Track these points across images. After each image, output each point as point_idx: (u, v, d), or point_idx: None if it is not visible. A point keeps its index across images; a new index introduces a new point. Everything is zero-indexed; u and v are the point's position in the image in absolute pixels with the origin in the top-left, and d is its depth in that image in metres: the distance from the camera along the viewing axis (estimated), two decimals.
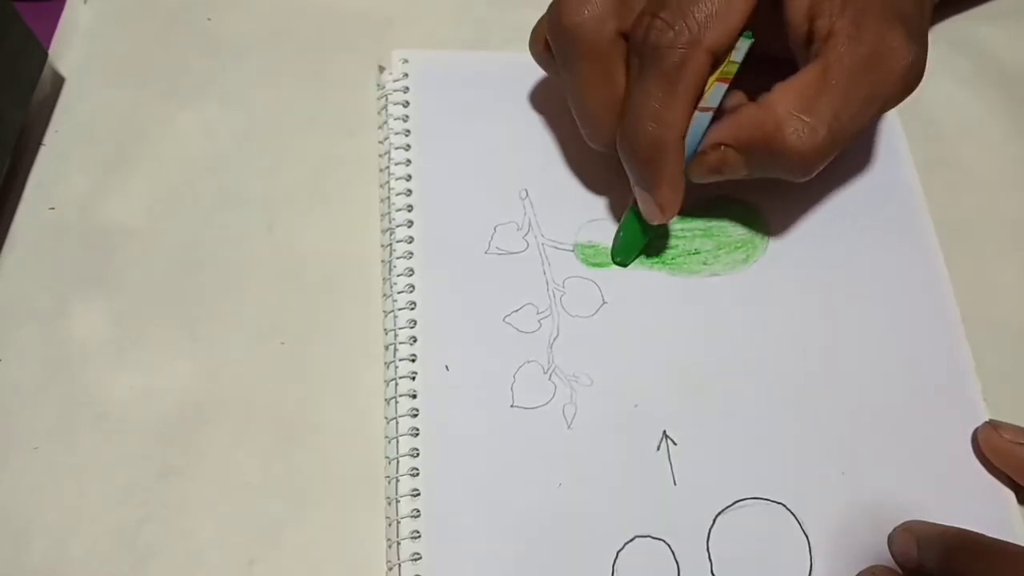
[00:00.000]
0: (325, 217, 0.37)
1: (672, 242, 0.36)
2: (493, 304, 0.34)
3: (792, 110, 0.30)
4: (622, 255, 0.35)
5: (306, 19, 0.41)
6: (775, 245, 0.36)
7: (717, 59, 0.31)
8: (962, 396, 0.33)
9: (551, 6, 0.33)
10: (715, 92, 0.31)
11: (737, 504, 0.31)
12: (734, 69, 0.31)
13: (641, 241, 0.35)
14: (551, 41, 0.34)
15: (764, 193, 0.37)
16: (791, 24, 0.32)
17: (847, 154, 0.38)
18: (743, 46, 0.31)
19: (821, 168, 0.32)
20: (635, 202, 0.34)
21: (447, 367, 0.33)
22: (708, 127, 0.32)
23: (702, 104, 0.31)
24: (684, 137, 0.31)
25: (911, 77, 0.31)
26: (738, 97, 0.34)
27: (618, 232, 0.35)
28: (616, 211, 0.36)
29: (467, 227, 0.36)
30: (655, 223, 0.34)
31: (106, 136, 0.38)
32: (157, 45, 0.40)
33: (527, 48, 0.36)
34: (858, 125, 0.31)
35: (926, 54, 0.32)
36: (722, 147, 0.32)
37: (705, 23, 0.30)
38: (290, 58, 0.40)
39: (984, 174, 0.39)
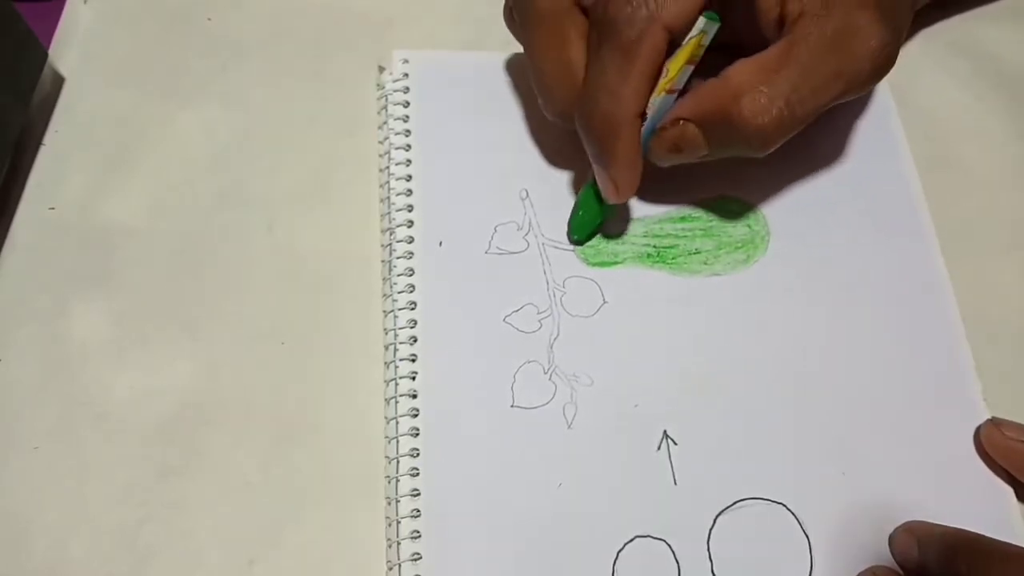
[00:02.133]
0: (325, 217, 0.37)
1: (672, 242, 0.36)
2: (493, 304, 0.34)
3: (750, 82, 0.30)
4: (578, 232, 0.35)
5: (306, 19, 0.41)
6: (776, 245, 0.36)
7: (675, 37, 0.31)
8: (962, 396, 0.33)
9: None
10: (682, 75, 0.31)
11: (738, 504, 0.31)
12: (701, 52, 0.31)
13: (598, 219, 0.35)
14: (514, 9, 0.34)
15: (765, 193, 0.37)
16: (762, 9, 0.32)
17: (847, 154, 0.38)
18: (711, 30, 0.31)
19: (780, 142, 0.31)
20: (593, 179, 0.34)
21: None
22: None
23: (669, 86, 0.31)
24: (641, 115, 0.31)
25: (880, 60, 0.31)
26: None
27: (575, 208, 0.35)
28: (575, 186, 0.36)
29: (467, 227, 0.36)
30: (611, 202, 0.34)
31: (106, 136, 0.38)
32: (157, 45, 0.40)
33: None
34: (819, 101, 0.31)
35: (899, 40, 0.31)
36: (680, 122, 0.32)
37: (663, 1, 0.30)
38: (290, 58, 0.40)
39: (984, 174, 0.39)
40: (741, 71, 0.31)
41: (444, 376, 0.33)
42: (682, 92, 0.32)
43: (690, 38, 0.31)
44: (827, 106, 0.31)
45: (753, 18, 0.32)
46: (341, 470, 0.32)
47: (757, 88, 0.30)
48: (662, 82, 0.32)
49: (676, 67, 0.31)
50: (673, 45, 0.31)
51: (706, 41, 0.31)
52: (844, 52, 0.30)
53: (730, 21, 0.32)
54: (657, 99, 0.32)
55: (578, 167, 0.37)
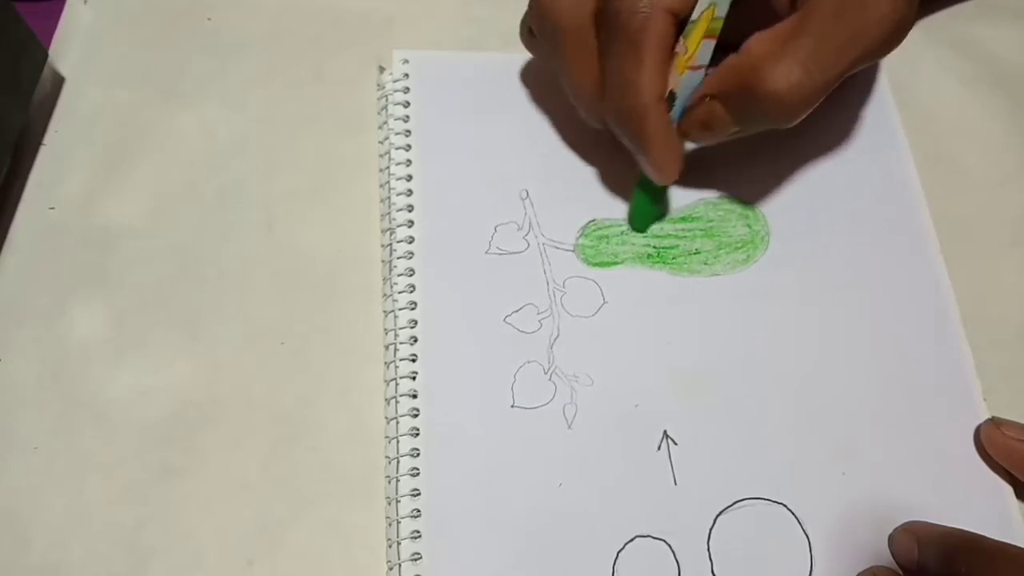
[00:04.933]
0: (325, 217, 0.37)
1: (673, 242, 0.36)
2: (493, 304, 0.34)
3: (768, 52, 0.31)
4: (638, 222, 0.36)
5: (306, 19, 0.41)
6: (776, 245, 0.36)
7: (679, 18, 0.31)
8: (962, 396, 0.33)
9: None
10: (703, 50, 0.32)
11: (738, 504, 0.31)
12: (719, 25, 0.32)
13: (651, 208, 0.36)
14: (534, 28, 0.35)
15: (765, 193, 0.37)
16: None
17: (848, 154, 0.38)
18: (721, 1, 0.31)
19: (804, 111, 0.31)
20: (641, 171, 0.34)
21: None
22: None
23: (692, 63, 0.32)
24: (668, 96, 0.32)
25: (894, 25, 0.31)
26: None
27: (631, 202, 0.36)
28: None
29: (467, 227, 0.36)
30: (661, 184, 0.34)
31: (106, 136, 0.38)
32: (157, 45, 0.40)
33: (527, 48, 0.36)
34: (837, 67, 0.31)
35: (912, 6, 0.32)
36: (707, 99, 0.32)
37: None
38: (290, 58, 0.40)
39: (984, 174, 0.39)
40: (759, 43, 0.31)
41: (444, 376, 0.33)
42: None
43: (700, 12, 0.31)
44: (846, 73, 0.31)
45: (765, 7, 0.32)
46: (341, 470, 0.32)
47: (775, 57, 0.30)
48: (682, 59, 0.32)
49: (694, 43, 0.32)
50: (683, 24, 0.31)
51: (720, 13, 0.31)
52: (858, 18, 0.31)
53: (741, 18, 0.32)
54: (682, 78, 0.32)
55: (579, 166, 0.37)
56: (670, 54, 0.32)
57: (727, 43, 0.32)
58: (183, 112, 0.39)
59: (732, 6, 0.32)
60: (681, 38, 0.32)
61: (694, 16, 0.31)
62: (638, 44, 0.31)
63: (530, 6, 0.34)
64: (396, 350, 0.33)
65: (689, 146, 0.35)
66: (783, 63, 0.30)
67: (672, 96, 0.32)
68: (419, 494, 0.31)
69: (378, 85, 0.39)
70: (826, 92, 0.31)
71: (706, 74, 0.32)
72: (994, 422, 0.32)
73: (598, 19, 0.32)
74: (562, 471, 0.31)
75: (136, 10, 0.41)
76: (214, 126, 0.38)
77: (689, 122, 0.33)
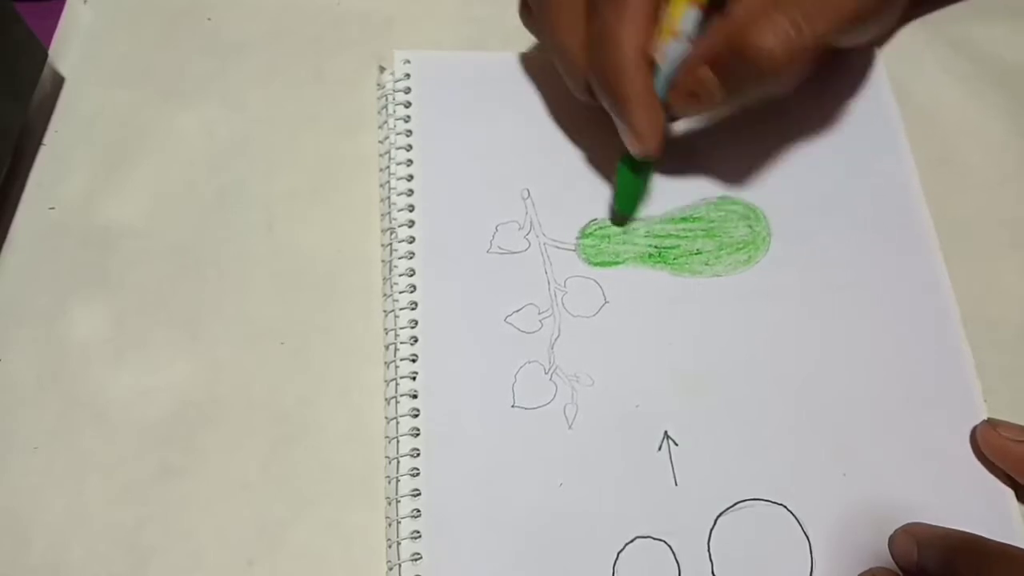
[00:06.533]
0: (325, 217, 0.37)
1: (674, 242, 0.36)
2: (494, 304, 0.34)
3: (754, 11, 0.30)
4: (621, 204, 0.35)
5: (306, 19, 0.41)
6: (777, 246, 0.36)
7: None
8: (962, 396, 0.33)
9: None
10: (686, 18, 0.32)
11: (738, 505, 0.31)
12: None
13: (636, 186, 0.35)
14: (530, 1, 0.35)
15: (766, 194, 0.37)
16: None
17: (849, 155, 0.38)
18: None
19: (796, 73, 0.31)
20: (626, 152, 0.34)
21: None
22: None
23: (675, 30, 0.32)
24: (650, 62, 0.32)
25: None
26: None
27: (615, 186, 0.36)
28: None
29: (468, 226, 0.36)
30: (639, 155, 0.34)
31: (106, 136, 0.38)
32: (157, 45, 0.40)
33: (527, 48, 0.36)
34: (828, 25, 0.30)
35: None
36: (694, 67, 0.32)
37: None
38: (290, 58, 0.40)
39: (984, 174, 0.39)
40: (744, 3, 0.31)
41: (445, 376, 0.33)
42: None
43: None
44: (836, 33, 0.31)
45: None
46: (341, 470, 0.32)
47: (764, 14, 0.30)
48: (664, 25, 0.32)
49: (678, 10, 0.31)
50: None
51: None
52: None
53: None
54: (666, 46, 0.32)
55: (580, 166, 0.37)
56: (654, 14, 0.31)
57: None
58: (183, 112, 0.39)
59: None
60: (665, 4, 0.32)
61: None
62: (622, 1, 0.31)
63: None
64: (396, 350, 0.33)
65: (681, 125, 0.34)
66: (772, 20, 0.30)
67: (652, 63, 0.32)
68: (419, 494, 0.31)
69: (378, 85, 0.39)
70: (816, 52, 0.31)
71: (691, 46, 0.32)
72: (990, 423, 0.32)
73: None
74: (562, 471, 0.31)
75: (136, 10, 0.41)
76: (214, 126, 0.38)
77: (676, 94, 0.33)
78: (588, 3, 0.33)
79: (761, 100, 0.33)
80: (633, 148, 0.33)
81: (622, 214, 0.36)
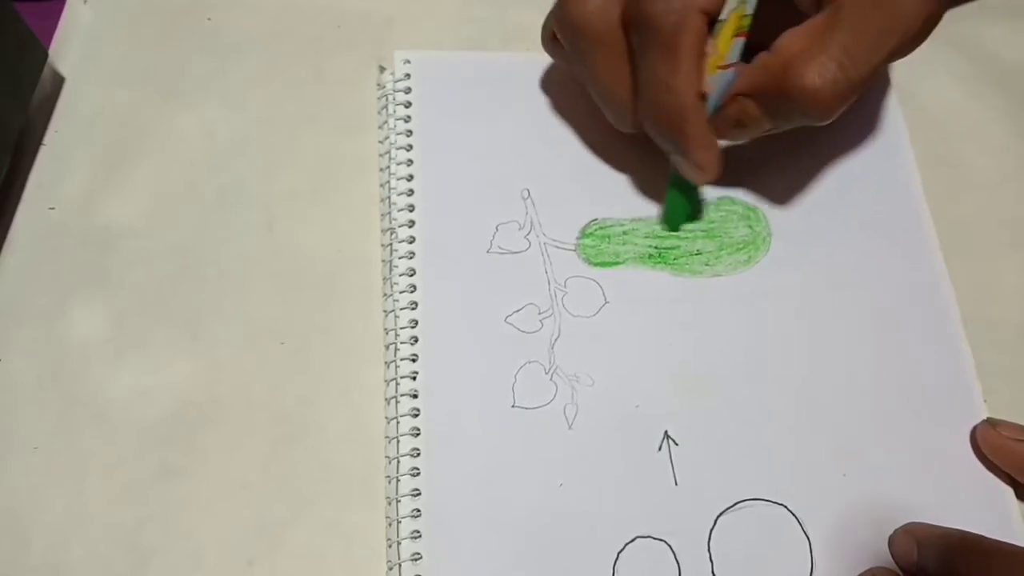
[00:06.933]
0: (325, 217, 0.37)
1: (675, 242, 0.36)
2: (494, 304, 0.34)
3: (800, 49, 0.30)
4: (671, 223, 0.36)
5: (306, 19, 0.41)
6: (777, 246, 0.36)
7: (711, 17, 0.31)
8: (962, 396, 0.33)
9: (557, 1, 0.34)
10: (733, 48, 0.32)
11: (738, 505, 0.31)
12: (748, 23, 0.32)
13: (685, 206, 0.36)
14: (560, 35, 0.34)
15: (767, 194, 0.37)
16: None
17: (849, 155, 0.38)
18: None
19: (840, 107, 0.31)
20: (673, 170, 0.34)
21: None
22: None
23: (721, 62, 0.32)
24: (701, 96, 0.32)
25: (926, 17, 0.31)
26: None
27: (664, 203, 0.36)
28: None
29: (469, 226, 0.36)
30: (701, 183, 0.35)
31: (106, 136, 0.38)
32: (157, 45, 0.40)
33: (527, 48, 0.36)
34: (872, 61, 0.31)
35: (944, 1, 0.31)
36: (739, 98, 0.32)
37: None
38: (290, 58, 0.40)
39: (984, 174, 0.39)
40: (791, 40, 0.31)
41: (445, 376, 0.33)
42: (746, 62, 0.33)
43: (730, 11, 0.31)
44: (881, 66, 0.31)
45: (790, 4, 0.32)
46: (341, 470, 0.32)
47: (808, 54, 0.30)
48: (712, 60, 0.32)
49: (724, 43, 0.32)
50: (711, 25, 0.31)
51: (749, 10, 0.31)
52: (891, 11, 0.30)
53: (768, 16, 0.32)
54: (712, 78, 0.32)
55: (580, 166, 0.37)
56: (704, 54, 0.31)
57: (753, 42, 0.32)
58: (183, 112, 0.39)
59: (759, 3, 0.31)
60: (710, 38, 0.32)
61: (723, 15, 0.31)
62: (673, 46, 0.31)
63: (553, 12, 0.34)
64: (397, 350, 0.33)
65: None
66: (817, 60, 0.30)
67: (704, 97, 0.32)
68: (419, 494, 0.31)
69: (378, 85, 0.39)
70: (862, 88, 0.31)
71: (736, 72, 0.32)
72: (990, 423, 0.32)
73: (627, 23, 0.32)
74: (562, 471, 0.31)
75: (136, 10, 0.41)
76: (214, 126, 0.38)
77: (722, 120, 0.33)
78: (629, 45, 0.32)
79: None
80: (696, 179, 0.34)
81: (672, 229, 0.36)
